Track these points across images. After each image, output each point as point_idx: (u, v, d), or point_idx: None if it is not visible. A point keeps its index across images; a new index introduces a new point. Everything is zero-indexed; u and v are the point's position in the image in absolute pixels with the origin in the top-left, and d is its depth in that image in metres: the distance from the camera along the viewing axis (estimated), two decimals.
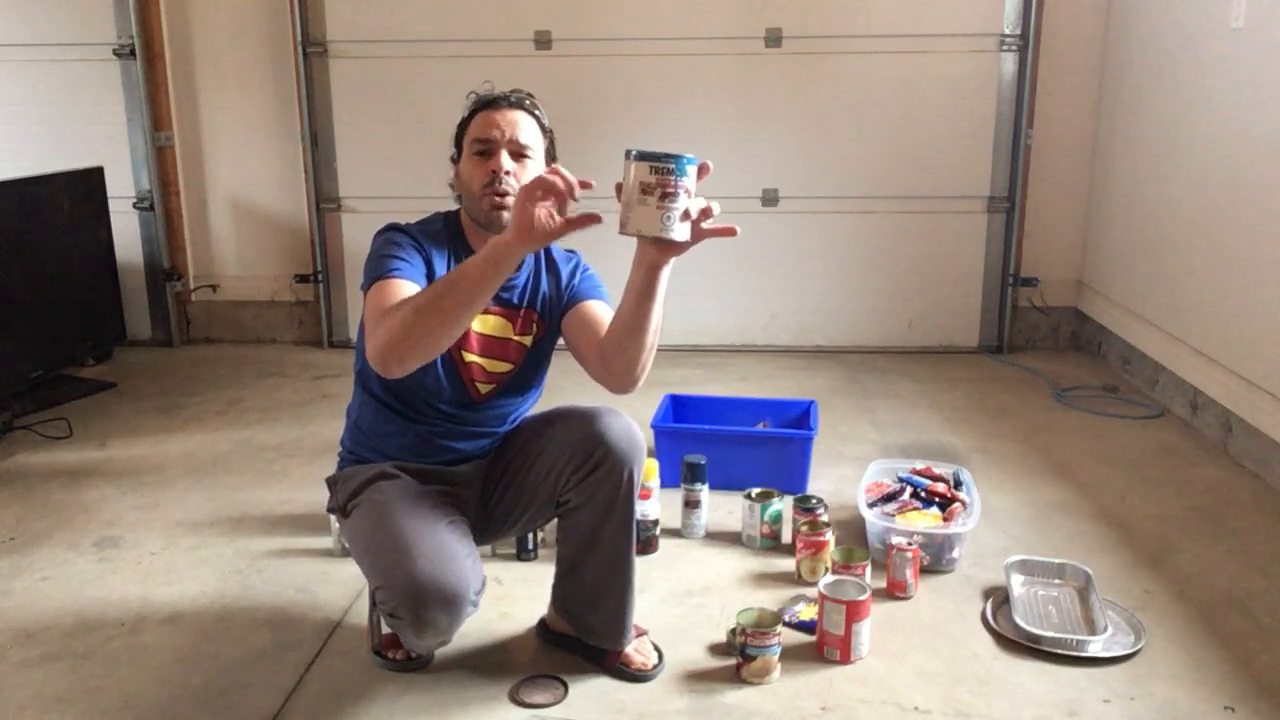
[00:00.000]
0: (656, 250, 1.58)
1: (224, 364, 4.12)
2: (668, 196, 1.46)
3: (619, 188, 1.49)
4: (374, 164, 4.15)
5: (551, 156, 1.90)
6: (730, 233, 1.55)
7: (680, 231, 1.49)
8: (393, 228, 1.85)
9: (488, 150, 1.81)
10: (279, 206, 4.31)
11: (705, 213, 1.51)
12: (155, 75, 4.14)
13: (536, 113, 1.88)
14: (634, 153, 1.47)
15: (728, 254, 4.10)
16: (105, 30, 4.09)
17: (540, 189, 1.50)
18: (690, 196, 1.49)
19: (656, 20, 3.99)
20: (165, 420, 3.45)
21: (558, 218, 1.51)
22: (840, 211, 4.12)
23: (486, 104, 1.85)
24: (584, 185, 1.51)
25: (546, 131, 1.90)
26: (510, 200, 1.79)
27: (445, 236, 1.88)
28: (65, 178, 3.79)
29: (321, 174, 4.20)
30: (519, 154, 1.82)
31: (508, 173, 1.79)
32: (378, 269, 1.75)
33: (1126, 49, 3.82)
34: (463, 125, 1.88)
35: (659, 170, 1.46)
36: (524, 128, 1.83)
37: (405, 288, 1.72)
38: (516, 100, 1.86)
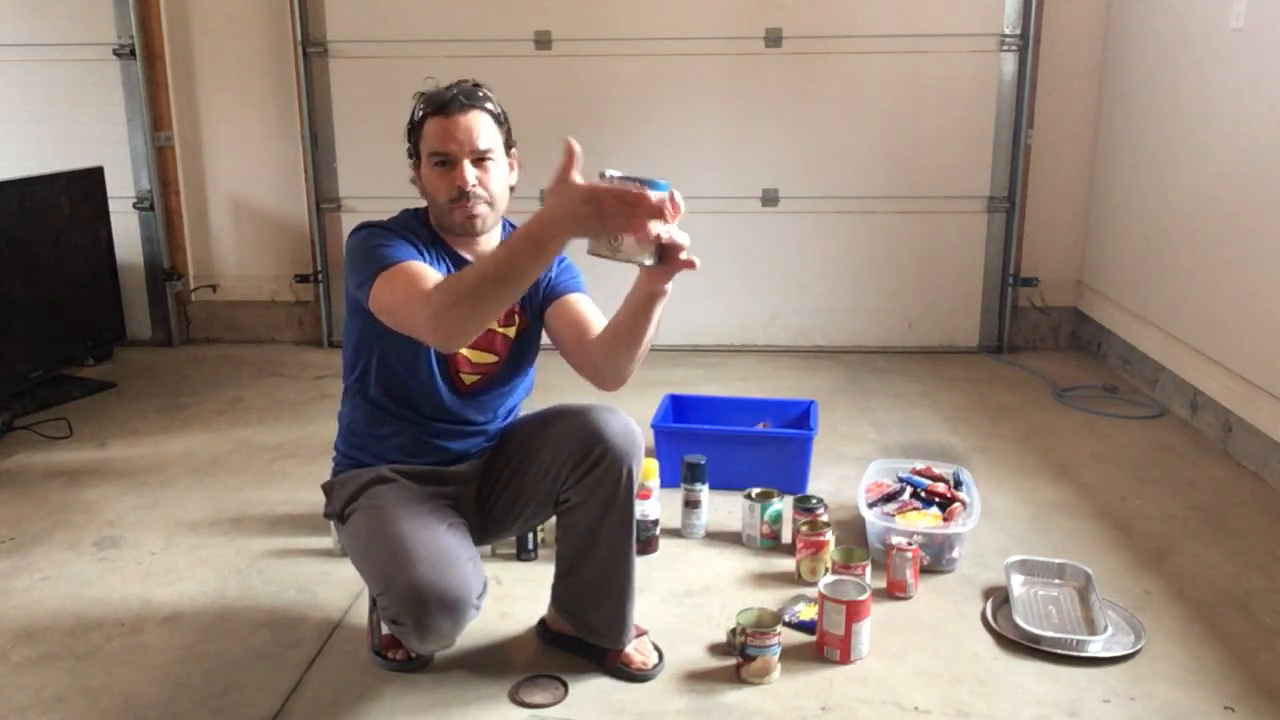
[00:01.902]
0: (647, 277, 1.59)
1: (224, 364, 4.12)
2: None
3: None
4: (374, 164, 4.15)
5: (510, 144, 1.87)
6: (689, 265, 1.51)
7: (628, 253, 1.46)
8: (367, 226, 1.83)
9: (448, 162, 1.79)
10: (279, 206, 4.31)
11: (639, 235, 1.45)
12: (155, 75, 4.14)
13: (489, 106, 1.83)
14: (600, 173, 1.44)
15: (728, 254, 4.10)
16: (105, 30, 4.09)
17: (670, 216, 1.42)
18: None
19: (656, 20, 3.99)
20: (165, 420, 3.45)
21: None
22: (840, 211, 4.12)
23: (438, 108, 1.80)
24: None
25: (502, 122, 1.86)
26: (481, 209, 1.80)
27: (423, 234, 1.87)
28: (65, 178, 3.79)
29: (321, 174, 4.20)
30: (480, 159, 1.80)
31: (473, 185, 1.78)
32: (376, 260, 1.73)
33: (1126, 49, 3.82)
34: (415, 127, 1.84)
35: None
36: (482, 132, 1.80)
37: (421, 268, 1.70)
38: (468, 99, 1.81)
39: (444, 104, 1.80)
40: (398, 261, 1.72)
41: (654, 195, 1.39)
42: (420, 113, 1.84)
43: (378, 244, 1.77)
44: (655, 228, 1.44)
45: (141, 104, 4.11)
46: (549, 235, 1.45)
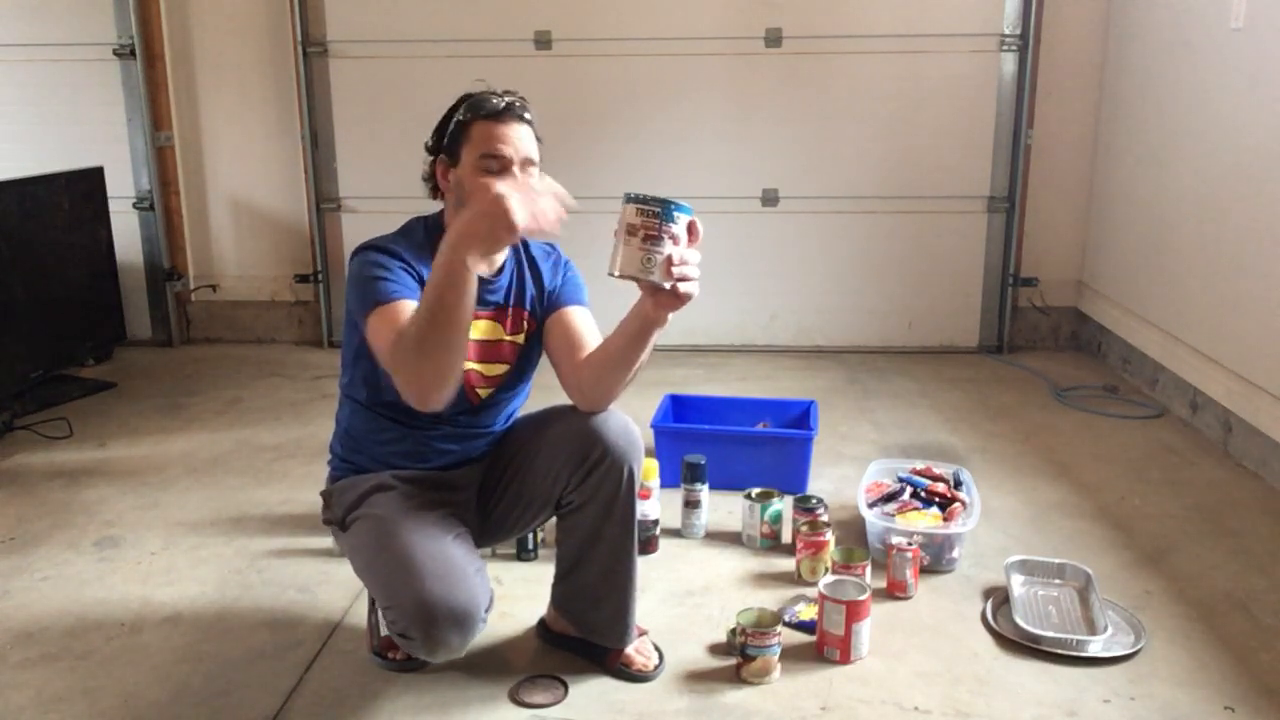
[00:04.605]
0: (651, 303, 1.62)
1: (224, 364, 4.12)
2: (650, 239, 1.50)
3: (616, 232, 1.53)
4: (374, 164, 4.15)
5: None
6: (683, 298, 1.59)
7: (660, 276, 1.52)
8: (370, 248, 1.80)
9: (501, 167, 1.76)
10: (279, 206, 4.31)
11: (670, 261, 1.53)
12: (155, 75, 4.14)
13: (532, 120, 1.84)
14: (629, 195, 1.50)
15: (728, 254, 4.10)
16: (105, 30, 4.09)
17: (534, 222, 1.50)
18: (676, 244, 1.52)
19: (656, 20, 3.99)
20: (165, 420, 3.45)
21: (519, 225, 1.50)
22: (840, 211, 4.12)
23: (492, 113, 1.78)
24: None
25: (540, 140, 1.85)
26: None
27: (429, 247, 1.81)
28: (65, 178, 3.79)
29: (321, 174, 4.20)
30: (525, 169, 1.79)
31: None
32: (370, 293, 1.72)
33: (1126, 49, 3.82)
34: (457, 124, 1.81)
35: (645, 213, 1.50)
36: (531, 143, 1.80)
37: (408, 309, 1.69)
38: (520, 112, 1.81)
39: (498, 111, 1.79)
40: (394, 298, 1.71)
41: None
42: (468, 115, 1.80)
43: (375, 274, 1.75)
44: (667, 249, 1.51)
45: (141, 104, 4.11)
46: (455, 257, 1.52)
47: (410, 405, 1.64)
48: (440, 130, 1.86)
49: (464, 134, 1.80)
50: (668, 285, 1.53)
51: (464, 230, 1.51)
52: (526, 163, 1.79)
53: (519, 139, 1.78)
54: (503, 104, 1.80)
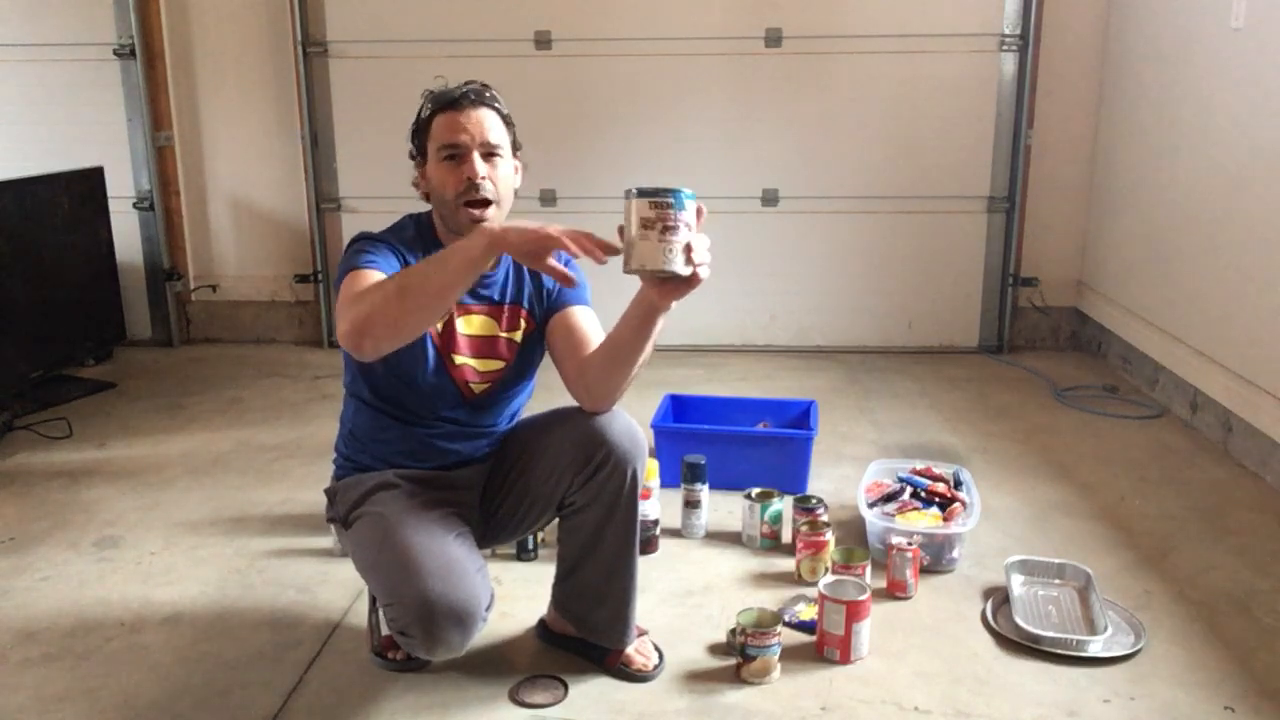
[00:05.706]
0: (657, 293, 1.62)
1: (224, 364, 4.12)
2: (668, 230, 1.49)
3: (620, 230, 1.51)
4: (374, 164, 4.15)
5: (516, 146, 1.87)
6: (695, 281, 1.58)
7: (682, 265, 1.51)
8: (364, 237, 1.83)
9: (458, 155, 1.79)
10: (279, 206, 4.31)
11: (689, 249, 1.52)
12: (155, 75, 4.14)
13: (498, 105, 1.84)
14: (633, 191, 1.49)
15: (728, 254, 4.07)
16: (105, 30, 4.09)
17: (577, 246, 1.51)
18: (690, 231, 1.51)
19: (656, 20, 3.99)
20: (165, 420, 3.45)
21: (555, 263, 1.53)
22: (840, 211, 4.12)
23: (448, 104, 1.80)
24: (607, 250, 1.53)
25: (510, 124, 1.86)
26: (489, 211, 1.79)
27: (420, 243, 1.86)
28: (65, 178, 3.79)
29: (321, 174, 4.20)
30: (490, 154, 1.80)
31: (483, 178, 1.78)
32: (350, 264, 1.75)
33: (1126, 49, 3.82)
34: (422, 125, 1.84)
35: (658, 205, 1.49)
36: (491, 126, 1.80)
37: (379, 276, 1.71)
38: (477, 97, 1.81)
39: (454, 100, 1.81)
40: (369, 266, 1.72)
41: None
42: (428, 110, 1.83)
43: (362, 249, 1.77)
44: (684, 237, 1.50)
45: (141, 104, 4.11)
46: (481, 243, 1.54)
47: (341, 341, 1.61)
48: (413, 134, 1.87)
49: (427, 130, 1.83)
50: (687, 272, 1.53)
51: (512, 237, 1.53)
52: (487, 148, 1.79)
53: (476, 124, 1.79)
54: (459, 92, 1.80)
